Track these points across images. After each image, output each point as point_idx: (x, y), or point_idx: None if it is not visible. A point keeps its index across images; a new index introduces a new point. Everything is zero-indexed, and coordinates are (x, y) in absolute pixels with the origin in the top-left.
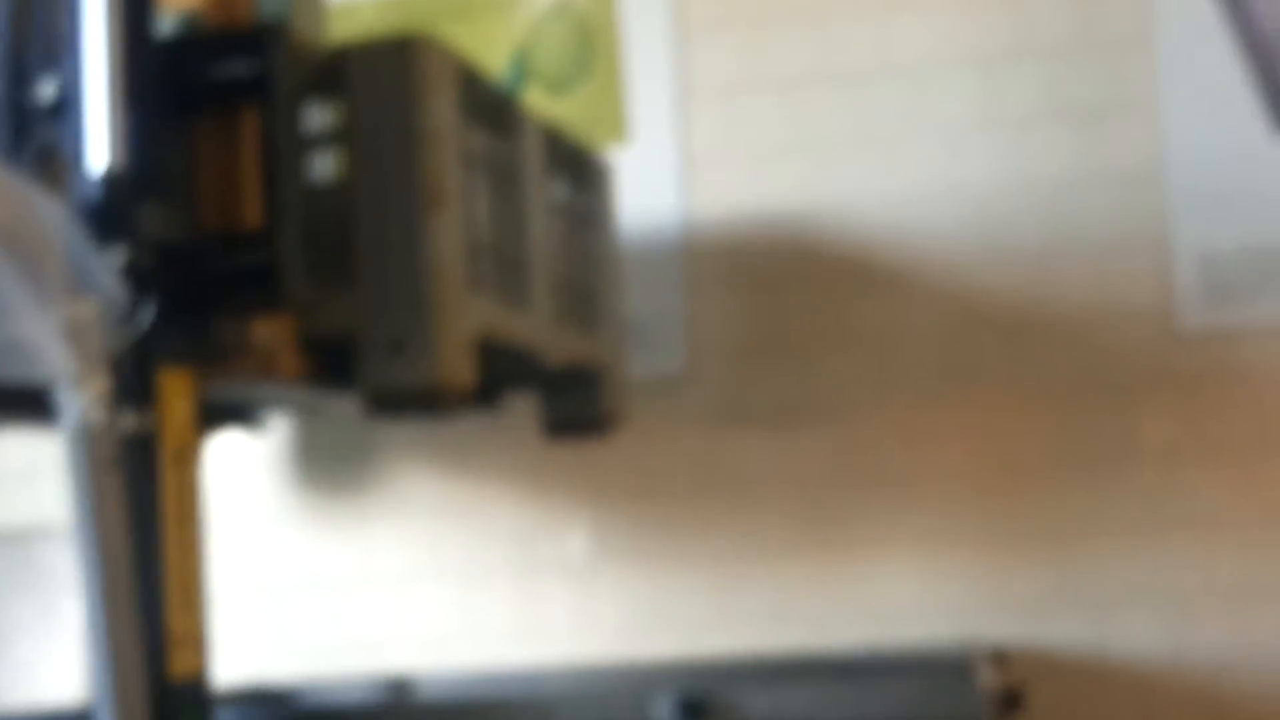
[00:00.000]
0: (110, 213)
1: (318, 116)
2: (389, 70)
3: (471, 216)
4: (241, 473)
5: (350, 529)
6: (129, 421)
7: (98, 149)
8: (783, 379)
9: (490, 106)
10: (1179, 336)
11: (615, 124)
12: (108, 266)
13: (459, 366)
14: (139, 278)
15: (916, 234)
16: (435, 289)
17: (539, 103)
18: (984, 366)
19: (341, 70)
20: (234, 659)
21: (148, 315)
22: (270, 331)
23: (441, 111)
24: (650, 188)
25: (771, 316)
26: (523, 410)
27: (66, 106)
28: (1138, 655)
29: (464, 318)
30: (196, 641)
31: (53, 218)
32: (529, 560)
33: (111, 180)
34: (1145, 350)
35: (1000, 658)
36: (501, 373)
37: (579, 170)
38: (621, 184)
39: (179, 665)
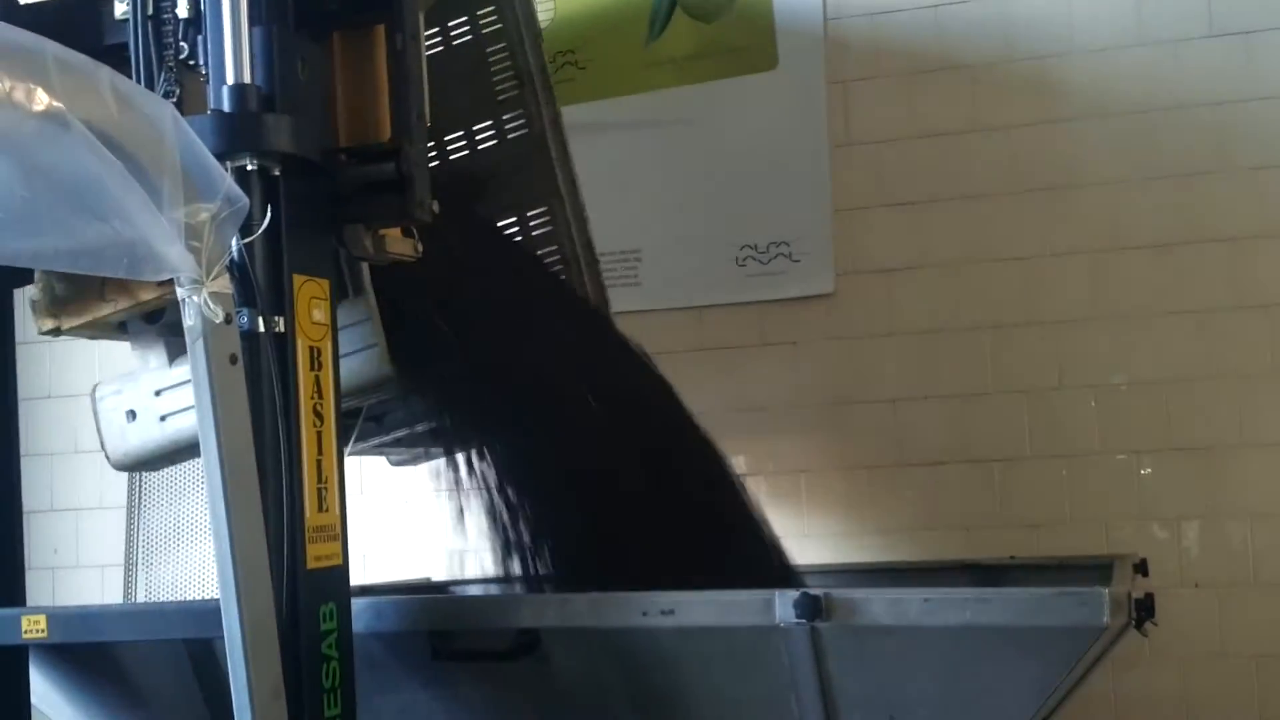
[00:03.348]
0: (238, 122)
1: None
2: None
3: None
4: None
5: None
6: (258, 322)
7: (231, 62)
8: (930, 296)
9: None
10: None
11: (765, 53)
12: (229, 173)
13: None
14: (264, 185)
15: (1069, 153)
16: None
17: (688, 30)
18: (1133, 283)
19: None
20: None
21: (270, 221)
22: None
23: None
24: (798, 114)
25: (919, 236)
26: (670, 328)
27: (201, 20)
28: None
29: None
30: (334, 534)
31: (168, 124)
32: None
33: (240, 91)
34: None
35: (1142, 568)
36: None
37: None
38: (771, 110)
39: (317, 556)
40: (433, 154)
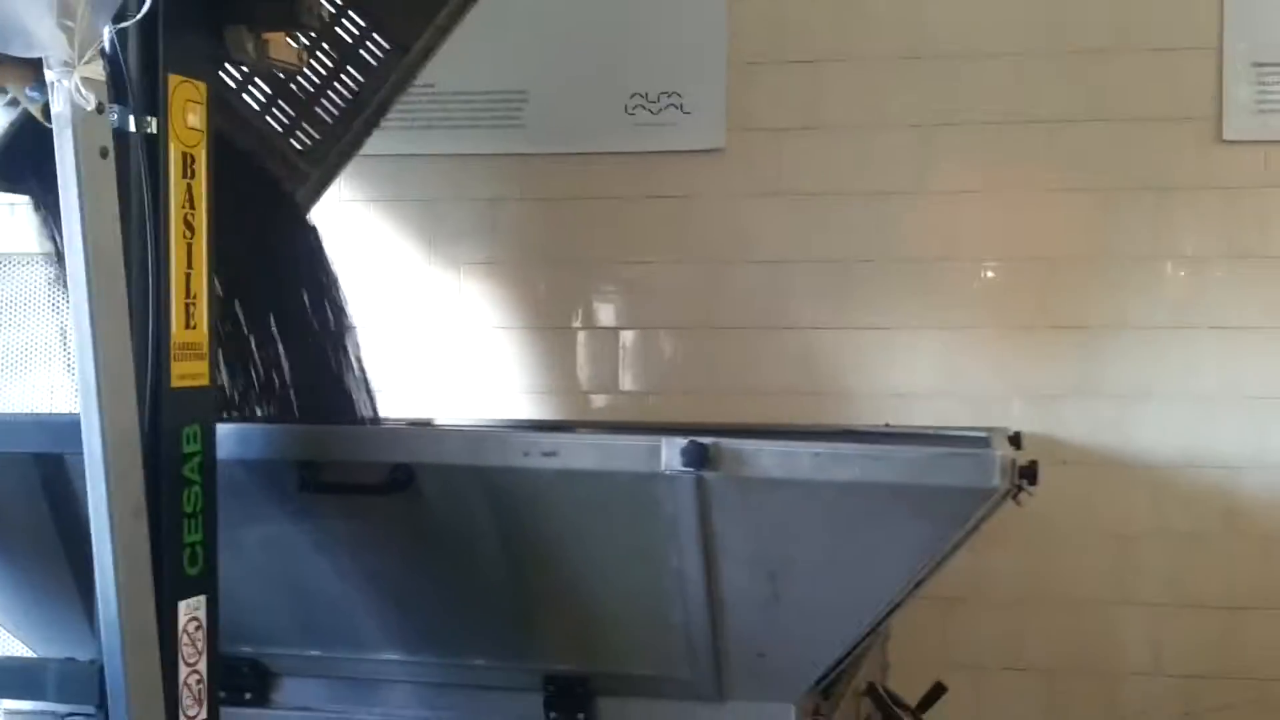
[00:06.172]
0: None
1: None
2: None
3: None
4: None
5: None
6: (129, 121)
7: None
8: (820, 159)
9: None
10: (1224, 143)
11: None
12: None
13: None
14: None
15: (974, 22)
16: None
17: None
18: (1029, 156)
19: None
20: None
21: (147, 11)
22: None
23: None
24: None
25: (814, 96)
26: (554, 175)
27: None
28: (1153, 452)
29: None
30: (201, 352)
31: None
32: (567, 321)
33: None
34: (1189, 155)
35: (1016, 440)
36: None
37: None
38: None
39: (181, 374)
40: None
